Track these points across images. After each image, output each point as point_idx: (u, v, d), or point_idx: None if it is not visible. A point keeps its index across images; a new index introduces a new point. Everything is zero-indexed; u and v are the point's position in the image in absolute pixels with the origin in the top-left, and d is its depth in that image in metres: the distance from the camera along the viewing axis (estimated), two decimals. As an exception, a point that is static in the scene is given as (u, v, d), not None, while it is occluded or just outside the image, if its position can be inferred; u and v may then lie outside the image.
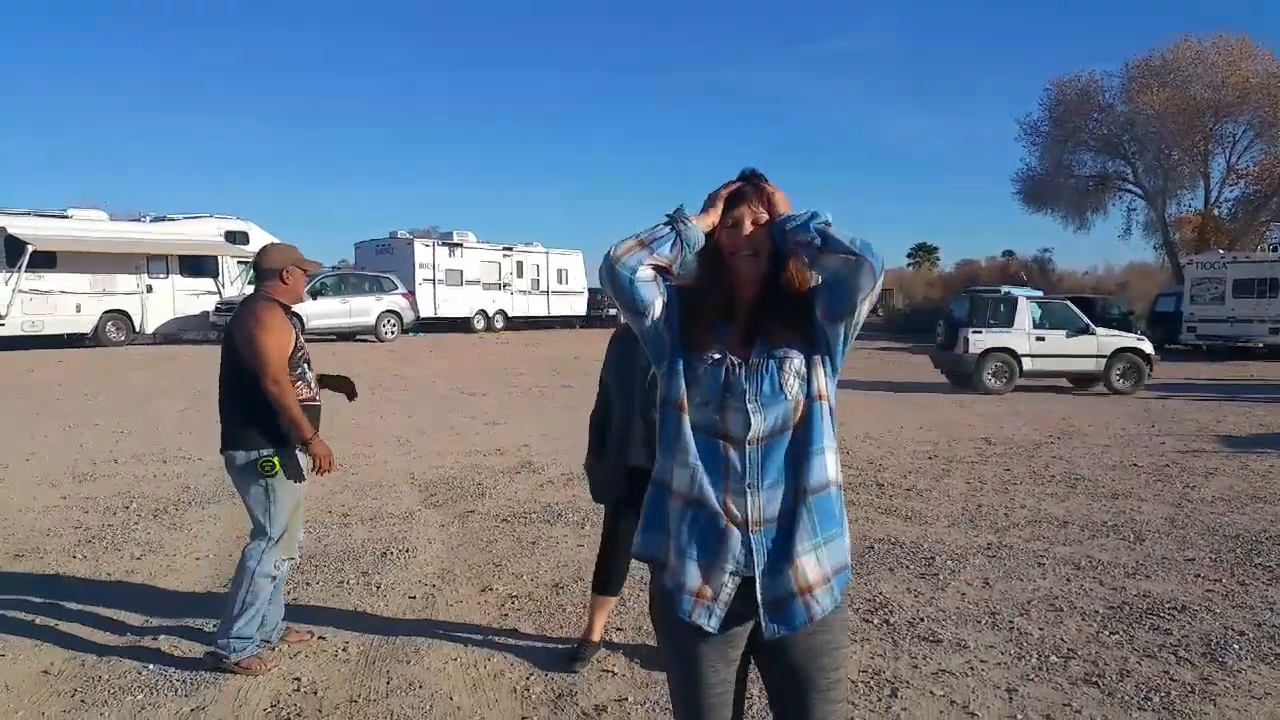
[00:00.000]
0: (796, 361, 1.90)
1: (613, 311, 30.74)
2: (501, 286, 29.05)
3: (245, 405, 3.65)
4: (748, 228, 1.94)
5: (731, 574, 1.87)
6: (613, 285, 1.92)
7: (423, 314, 25.66)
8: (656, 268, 1.91)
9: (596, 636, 3.86)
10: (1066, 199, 35.27)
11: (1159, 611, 4.41)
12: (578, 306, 33.08)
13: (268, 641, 3.83)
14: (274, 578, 3.69)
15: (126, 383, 14.49)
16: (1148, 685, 3.58)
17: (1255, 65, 30.27)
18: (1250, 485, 7.42)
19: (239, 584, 3.64)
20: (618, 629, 4.16)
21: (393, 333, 23.59)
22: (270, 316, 3.65)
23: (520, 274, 30.04)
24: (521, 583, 4.87)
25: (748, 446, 1.86)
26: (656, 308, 1.93)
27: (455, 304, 27.61)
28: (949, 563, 5.20)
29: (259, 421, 3.62)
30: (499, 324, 28.93)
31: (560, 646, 3.94)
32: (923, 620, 4.30)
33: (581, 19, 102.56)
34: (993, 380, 14.81)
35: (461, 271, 27.78)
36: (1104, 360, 15.02)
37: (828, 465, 1.89)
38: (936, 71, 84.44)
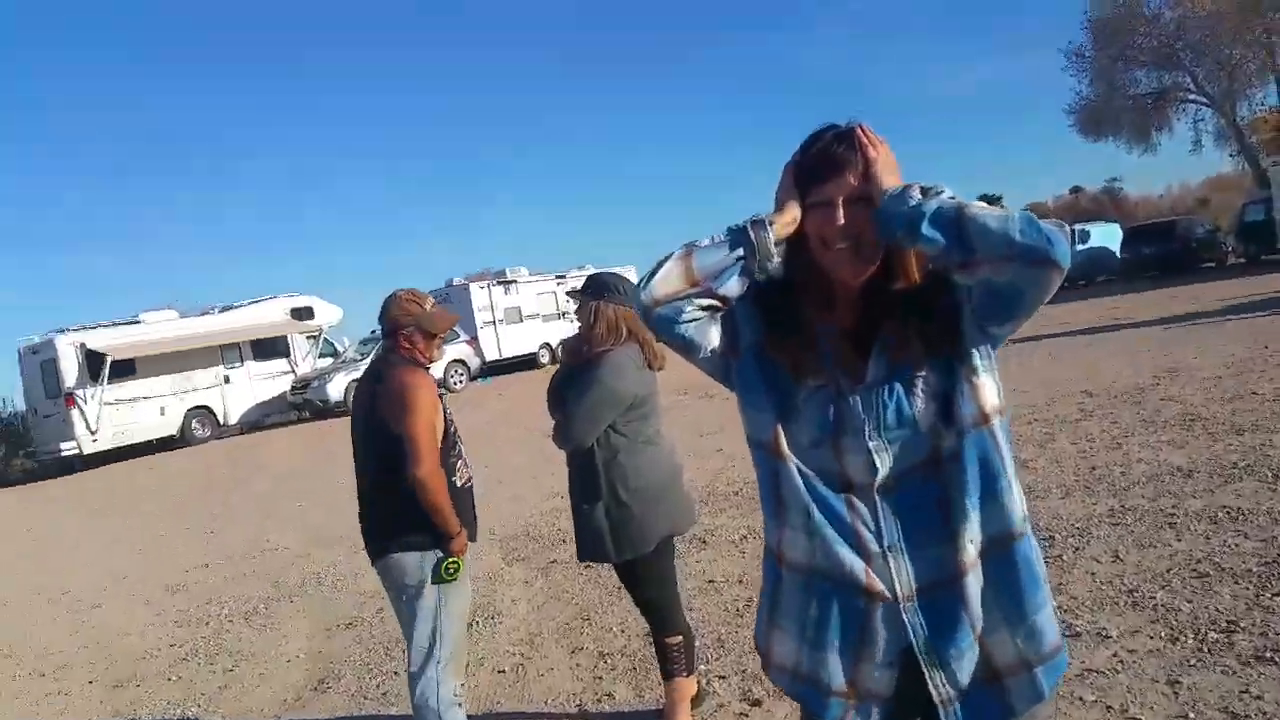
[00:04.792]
0: (931, 378, 1.45)
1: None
2: (560, 315, 28.84)
3: (407, 495, 2.90)
4: (841, 212, 1.45)
5: (885, 665, 1.46)
6: (652, 328, 1.52)
7: (487, 357, 25.67)
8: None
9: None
10: (1126, 122, 33.61)
11: (1323, 561, 3.90)
12: (642, 324, 32.75)
13: None
14: (460, 703, 3.04)
15: (209, 479, 14.73)
16: (1332, 656, 3.12)
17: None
18: (1392, 394, 6.73)
19: None
20: (720, 676, 3.83)
21: (461, 382, 23.57)
22: (417, 389, 2.94)
23: (577, 301, 29.91)
24: (612, 636, 4.58)
25: (878, 496, 1.45)
26: (714, 337, 1.53)
27: (517, 342, 27.49)
28: (1071, 539, 4.74)
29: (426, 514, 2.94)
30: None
31: (661, 705, 3.63)
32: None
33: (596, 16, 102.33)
34: None
35: (519, 308, 27.72)
36: None
37: (1005, 509, 1.47)
38: (974, 16, 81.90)
